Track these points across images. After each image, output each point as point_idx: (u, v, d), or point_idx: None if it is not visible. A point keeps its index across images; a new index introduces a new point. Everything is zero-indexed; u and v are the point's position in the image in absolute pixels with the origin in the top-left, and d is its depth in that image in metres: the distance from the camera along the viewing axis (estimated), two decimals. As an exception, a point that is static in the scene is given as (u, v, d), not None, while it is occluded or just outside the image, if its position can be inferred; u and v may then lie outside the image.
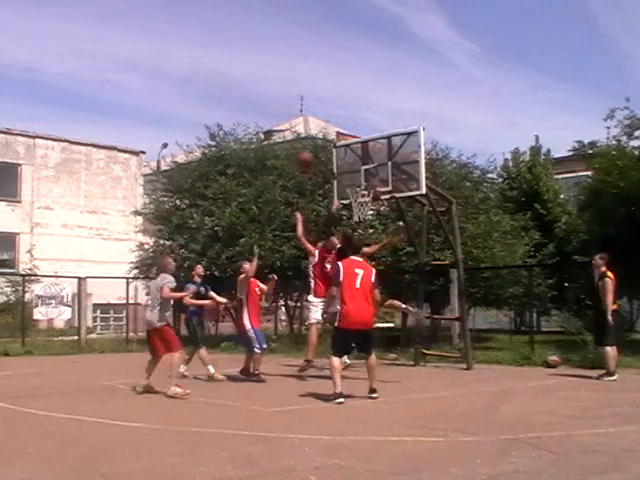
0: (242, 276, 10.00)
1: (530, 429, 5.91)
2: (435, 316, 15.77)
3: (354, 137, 17.41)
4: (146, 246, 19.51)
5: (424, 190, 10.77)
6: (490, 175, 21.11)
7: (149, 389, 8.41)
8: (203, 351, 10.26)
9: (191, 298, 10.39)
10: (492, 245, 16.48)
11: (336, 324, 7.61)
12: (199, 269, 11.04)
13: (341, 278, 7.61)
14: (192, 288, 10.38)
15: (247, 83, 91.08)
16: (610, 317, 9.67)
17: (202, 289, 10.62)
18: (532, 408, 7.32)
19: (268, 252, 15.50)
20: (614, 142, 16.83)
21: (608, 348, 9.72)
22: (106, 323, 25.11)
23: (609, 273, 9.84)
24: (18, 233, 29.34)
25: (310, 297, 10.46)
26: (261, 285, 10.15)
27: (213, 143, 19.27)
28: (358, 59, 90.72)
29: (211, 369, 10.01)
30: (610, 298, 9.71)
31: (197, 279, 10.74)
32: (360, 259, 8.00)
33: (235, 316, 10.86)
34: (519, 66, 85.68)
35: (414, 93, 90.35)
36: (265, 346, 9.84)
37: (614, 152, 16.13)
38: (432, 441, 5.46)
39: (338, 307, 8.83)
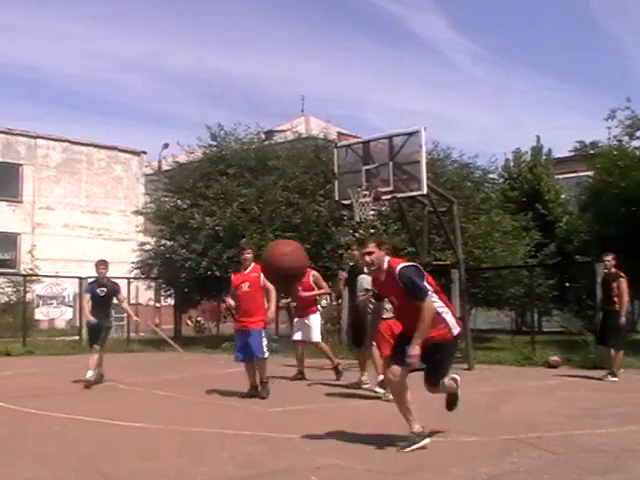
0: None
1: (531, 429, 5.91)
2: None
3: (355, 137, 17.42)
4: (147, 246, 19.56)
5: (425, 190, 10.77)
6: (491, 175, 21.17)
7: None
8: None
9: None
10: (493, 245, 16.50)
11: (450, 336, 5.39)
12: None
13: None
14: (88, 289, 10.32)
15: (248, 83, 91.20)
16: (623, 318, 9.63)
17: (100, 290, 10.27)
18: (533, 408, 7.32)
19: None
20: (615, 142, 16.89)
21: (621, 351, 9.68)
22: (107, 323, 25.08)
23: (621, 274, 9.80)
24: (19, 233, 29.36)
25: None
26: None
27: (214, 143, 19.32)
28: (359, 59, 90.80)
29: (90, 373, 9.37)
30: (626, 299, 9.65)
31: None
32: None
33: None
34: (521, 66, 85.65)
35: (415, 93, 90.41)
36: (235, 355, 8.49)
37: (615, 152, 16.16)
38: (433, 441, 5.45)
39: None
